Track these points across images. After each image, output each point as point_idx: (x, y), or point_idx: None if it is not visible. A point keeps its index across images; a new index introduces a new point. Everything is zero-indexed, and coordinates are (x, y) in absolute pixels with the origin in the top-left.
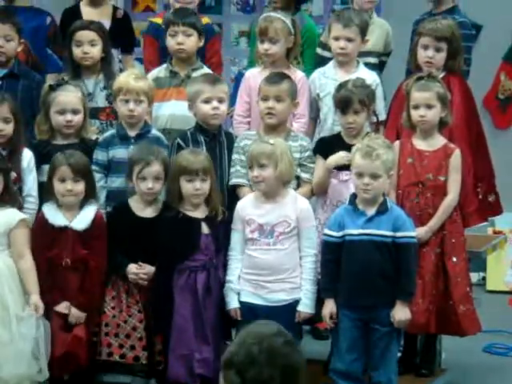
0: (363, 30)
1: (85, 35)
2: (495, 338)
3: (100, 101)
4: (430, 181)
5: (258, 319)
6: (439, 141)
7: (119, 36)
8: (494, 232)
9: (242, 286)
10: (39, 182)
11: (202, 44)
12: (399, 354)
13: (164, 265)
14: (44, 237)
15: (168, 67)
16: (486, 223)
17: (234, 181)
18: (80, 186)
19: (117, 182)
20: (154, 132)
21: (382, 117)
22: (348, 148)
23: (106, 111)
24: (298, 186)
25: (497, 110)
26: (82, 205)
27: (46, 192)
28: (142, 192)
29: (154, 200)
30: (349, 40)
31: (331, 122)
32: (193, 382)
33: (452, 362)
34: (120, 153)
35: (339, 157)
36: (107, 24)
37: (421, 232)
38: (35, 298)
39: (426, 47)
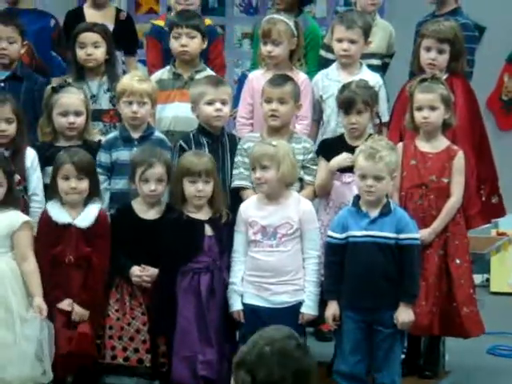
0: (366, 32)
1: (88, 37)
2: (499, 339)
3: (104, 103)
4: (434, 183)
5: (261, 321)
6: (442, 143)
7: (122, 38)
8: (498, 234)
9: (245, 288)
10: (43, 183)
11: (205, 46)
12: (403, 356)
13: (167, 267)
14: (48, 234)
15: (171, 69)
16: (489, 225)
17: (237, 183)
18: (84, 184)
19: (120, 183)
20: (158, 134)
21: (385, 118)
22: (351, 150)
23: (109, 113)
24: (302, 188)
25: (500, 111)
26: (85, 203)
27: (49, 190)
28: (145, 194)
29: (157, 202)
30: (352, 42)
31: (334, 123)
32: (196, 383)
33: (456, 363)
34: (123, 155)
35: (342, 159)
36: (110, 26)
37: (424, 234)
38: (38, 300)
39: (428, 49)
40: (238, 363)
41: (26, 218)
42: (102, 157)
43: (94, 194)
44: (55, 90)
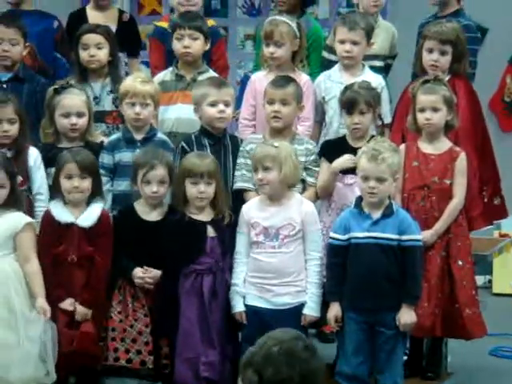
0: (369, 33)
1: (91, 38)
2: (501, 341)
3: (107, 104)
4: (436, 184)
5: (264, 323)
6: (445, 144)
7: (125, 39)
8: (500, 235)
9: (248, 290)
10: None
11: (208, 47)
12: (405, 357)
13: (170, 268)
14: (50, 234)
15: (174, 71)
16: (492, 226)
17: (239, 185)
18: (86, 183)
19: (123, 185)
20: (160, 135)
21: (388, 120)
22: (353, 151)
23: (112, 115)
24: (304, 189)
25: (503, 112)
26: (88, 202)
27: (52, 190)
28: (147, 196)
29: (159, 203)
30: (354, 43)
31: (337, 125)
32: None
33: (458, 365)
34: (126, 156)
35: (344, 160)
36: (113, 27)
37: (426, 235)
38: (41, 301)
39: (430, 50)
40: (246, 363)
41: (28, 219)
42: (105, 158)
43: (96, 193)
44: (57, 92)
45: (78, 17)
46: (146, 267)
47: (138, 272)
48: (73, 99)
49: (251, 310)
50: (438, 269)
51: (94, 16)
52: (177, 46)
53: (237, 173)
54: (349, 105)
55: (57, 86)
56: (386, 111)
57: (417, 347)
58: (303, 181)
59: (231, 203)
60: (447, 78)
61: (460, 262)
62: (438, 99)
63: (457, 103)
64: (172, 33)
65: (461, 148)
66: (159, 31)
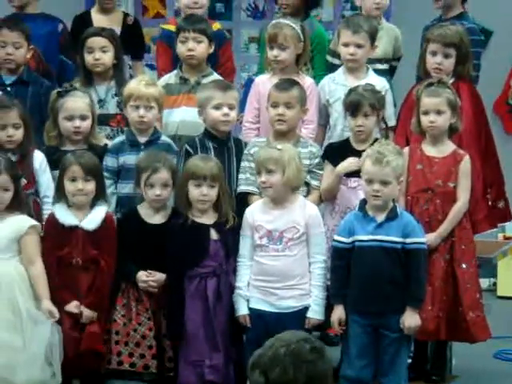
0: (372, 36)
1: (96, 42)
2: (506, 344)
3: (111, 107)
4: (440, 187)
5: (268, 326)
6: (449, 147)
7: (129, 42)
8: (505, 238)
9: (252, 293)
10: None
11: (212, 50)
12: (409, 361)
13: (174, 271)
14: (54, 236)
15: (178, 73)
16: (496, 229)
17: (243, 188)
18: (91, 186)
19: (127, 188)
20: (164, 138)
21: (392, 122)
22: (356, 154)
23: (116, 118)
24: (308, 192)
25: (507, 115)
26: (92, 205)
27: (56, 192)
28: (150, 199)
29: (162, 206)
30: (358, 46)
31: (341, 128)
32: None
33: (463, 368)
34: (130, 159)
35: (349, 163)
36: (117, 30)
37: (430, 238)
38: (47, 303)
39: (434, 53)
40: (253, 364)
41: (32, 222)
42: (109, 161)
43: (100, 196)
44: (61, 95)
45: (83, 20)
46: (149, 271)
47: (142, 275)
48: (76, 102)
49: (255, 314)
50: (442, 272)
51: (98, 19)
52: (181, 49)
53: (241, 176)
54: (353, 107)
55: (60, 89)
56: (390, 114)
57: (421, 350)
58: (307, 184)
59: (235, 206)
60: (451, 81)
61: (464, 265)
62: (442, 102)
63: (461, 106)
64: (176, 36)
65: (464, 151)
66: (166, 34)
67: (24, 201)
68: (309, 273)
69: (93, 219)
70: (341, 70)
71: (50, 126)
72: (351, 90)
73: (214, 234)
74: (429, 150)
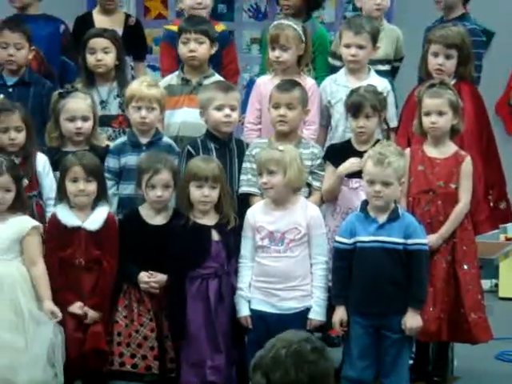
0: (374, 37)
1: (98, 43)
2: (508, 345)
3: (113, 108)
4: (441, 188)
5: (269, 327)
6: (450, 148)
7: (131, 43)
8: (507, 239)
9: (253, 294)
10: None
11: (213, 51)
12: (411, 362)
13: (175, 273)
14: (57, 237)
15: (180, 75)
16: (498, 230)
17: (245, 189)
18: (92, 186)
19: (128, 189)
20: (166, 139)
21: (394, 124)
22: (358, 154)
23: (118, 119)
24: (310, 193)
25: (509, 116)
26: (93, 205)
27: (57, 193)
28: (152, 200)
29: (164, 207)
30: (360, 47)
31: (342, 129)
32: None
33: (464, 369)
34: (131, 160)
35: (350, 164)
36: (119, 31)
37: (432, 239)
38: (49, 303)
39: (436, 54)
40: (254, 366)
41: (34, 222)
42: (111, 162)
43: (101, 196)
44: (62, 96)
45: (85, 21)
46: (151, 271)
47: (144, 276)
48: (78, 103)
49: (256, 315)
50: (443, 273)
51: (100, 20)
52: (182, 50)
53: (242, 177)
54: (354, 108)
55: (61, 91)
56: (392, 115)
57: (423, 351)
58: (309, 185)
59: (236, 207)
60: (453, 82)
61: (466, 266)
62: (444, 103)
63: (462, 107)
64: (178, 37)
65: (466, 152)
66: (170, 35)
67: (26, 202)
68: (310, 274)
69: (95, 220)
70: (342, 71)
71: (52, 127)
72: (353, 91)
73: (215, 235)
74: (430, 151)
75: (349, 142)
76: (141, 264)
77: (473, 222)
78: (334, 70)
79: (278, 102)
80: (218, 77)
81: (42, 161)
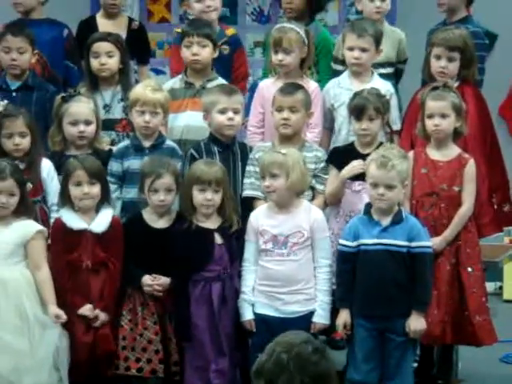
0: (378, 40)
1: (102, 47)
2: None
3: (117, 112)
4: (445, 191)
5: (273, 331)
6: (453, 151)
7: (135, 47)
8: (511, 241)
9: (257, 298)
10: None
11: (216, 55)
12: (415, 365)
13: (178, 276)
14: (63, 241)
15: (183, 78)
16: (502, 233)
17: (248, 193)
18: (96, 189)
19: (132, 192)
20: (169, 142)
21: (397, 126)
22: (361, 157)
23: (122, 123)
24: (314, 196)
25: None
26: (97, 208)
27: (61, 198)
28: (154, 204)
29: (166, 211)
30: (363, 50)
31: (346, 132)
32: None
33: (468, 372)
34: (135, 163)
35: (352, 167)
36: (123, 35)
37: (435, 242)
38: (53, 307)
39: (438, 57)
40: (256, 372)
41: (39, 227)
42: (114, 166)
43: (104, 199)
44: (65, 100)
45: (88, 25)
46: (154, 275)
47: (147, 279)
48: (80, 107)
49: (260, 319)
50: (447, 276)
51: (103, 24)
52: (185, 53)
53: (246, 180)
54: (358, 111)
55: (64, 95)
56: (395, 118)
57: (427, 354)
58: (313, 188)
59: (240, 211)
60: (456, 85)
61: (470, 269)
62: (447, 105)
63: (466, 110)
64: (180, 40)
65: (469, 154)
66: (180, 37)
67: (30, 206)
68: (314, 277)
69: (100, 222)
70: (346, 74)
71: (55, 131)
72: (356, 94)
73: (218, 239)
74: (433, 153)
75: (352, 144)
76: (144, 267)
77: (477, 225)
78: (335, 74)
79: (281, 105)
80: (221, 80)
81: (46, 166)
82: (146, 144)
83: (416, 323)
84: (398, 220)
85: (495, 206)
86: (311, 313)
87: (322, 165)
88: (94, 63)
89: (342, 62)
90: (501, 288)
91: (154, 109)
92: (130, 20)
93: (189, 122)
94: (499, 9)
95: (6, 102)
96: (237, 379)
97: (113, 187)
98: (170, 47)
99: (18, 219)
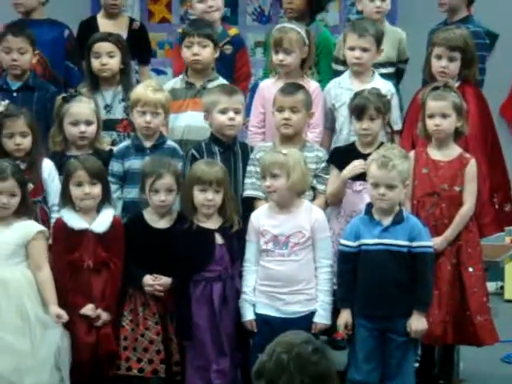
0: (378, 40)
1: (103, 47)
2: None
3: (118, 112)
4: (446, 191)
5: (274, 331)
6: (454, 151)
7: (136, 47)
8: None
9: (258, 298)
10: None
11: (217, 55)
12: (417, 365)
13: (179, 276)
14: (64, 241)
15: (184, 78)
16: (503, 232)
17: (249, 193)
18: (97, 189)
19: (132, 192)
20: (170, 143)
21: (398, 126)
22: (362, 157)
23: (123, 123)
24: (315, 197)
25: None
26: (98, 208)
27: (61, 198)
28: (155, 205)
29: (168, 211)
30: (364, 50)
31: (347, 132)
32: None
33: (470, 372)
34: (135, 164)
35: (353, 167)
36: (124, 35)
37: (436, 242)
38: (54, 308)
39: (439, 57)
40: (257, 373)
41: (40, 227)
42: (115, 166)
43: (105, 199)
44: (66, 100)
45: (89, 25)
46: (155, 275)
47: (148, 279)
48: (81, 107)
49: (261, 319)
50: (448, 276)
51: (104, 24)
52: (186, 53)
53: (246, 180)
54: (358, 111)
55: (65, 95)
56: (396, 118)
57: (428, 354)
58: (314, 188)
59: (241, 211)
60: (457, 85)
61: (471, 269)
62: (447, 105)
63: (466, 109)
64: (181, 41)
65: (471, 154)
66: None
67: (31, 206)
68: (315, 278)
69: (102, 222)
70: (346, 74)
71: (56, 132)
72: (356, 94)
73: (218, 239)
74: (434, 153)
75: (353, 144)
76: (145, 268)
77: (478, 225)
78: (336, 74)
79: (282, 106)
80: (221, 80)
81: (47, 167)
82: (147, 144)
83: (417, 323)
84: (398, 220)
85: (496, 206)
86: (312, 313)
87: (323, 165)
88: (95, 63)
89: (343, 62)
90: (502, 288)
91: (154, 109)
92: (131, 20)
93: (190, 122)
94: (500, 9)
95: (7, 101)
96: (238, 379)
97: (114, 187)
98: (171, 47)
99: (19, 219)
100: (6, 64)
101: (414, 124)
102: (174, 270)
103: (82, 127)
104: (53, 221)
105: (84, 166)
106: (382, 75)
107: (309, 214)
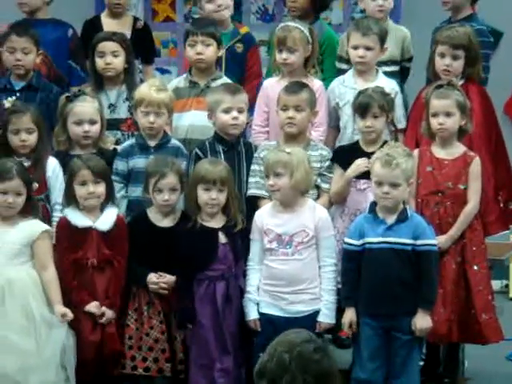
0: (382, 39)
1: (107, 46)
2: None
3: (122, 112)
4: (450, 189)
5: (278, 331)
6: (459, 149)
7: (140, 46)
8: None
9: (262, 297)
10: None
11: (221, 54)
12: (422, 363)
13: (183, 275)
14: (69, 239)
15: (187, 77)
16: (508, 231)
17: (253, 192)
18: (101, 188)
19: (137, 191)
20: (174, 142)
21: (402, 125)
22: (366, 156)
23: (127, 122)
24: (319, 195)
25: None
26: (102, 207)
27: (65, 197)
28: (159, 204)
29: (171, 210)
30: (368, 48)
31: (351, 130)
32: None
33: (475, 370)
34: (140, 163)
35: (357, 166)
36: (128, 35)
37: (441, 240)
38: (59, 307)
39: (442, 55)
40: (259, 373)
41: (45, 226)
42: (119, 165)
43: (109, 198)
44: (69, 99)
45: (93, 25)
46: (160, 273)
47: (153, 277)
48: (85, 107)
49: (265, 318)
50: (453, 274)
51: (108, 24)
52: (190, 52)
53: (250, 179)
54: (362, 109)
55: (69, 94)
56: (400, 116)
57: (433, 353)
58: (318, 187)
59: (245, 210)
60: (460, 83)
61: (475, 267)
62: (451, 104)
63: (470, 108)
64: (184, 39)
65: (475, 153)
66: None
67: (36, 205)
68: (318, 277)
69: (106, 220)
70: (350, 73)
71: (59, 131)
72: (360, 92)
73: (222, 238)
74: (438, 152)
75: (357, 143)
76: (149, 266)
77: (483, 223)
78: (340, 73)
79: (286, 104)
80: (225, 79)
81: (52, 164)
82: (151, 143)
83: (422, 321)
84: (403, 218)
85: (501, 204)
86: (316, 312)
87: (327, 163)
88: (100, 63)
89: (347, 61)
90: (507, 286)
91: (158, 109)
92: (135, 19)
93: (193, 121)
94: (504, 7)
95: (13, 97)
96: (241, 378)
97: (118, 186)
98: (175, 46)
99: (25, 219)
100: (9, 64)
101: (417, 122)
102: (178, 268)
103: (86, 126)
104: (55, 219)
105: (88, 165)
106: (386, 73)
107: (312, 213)
